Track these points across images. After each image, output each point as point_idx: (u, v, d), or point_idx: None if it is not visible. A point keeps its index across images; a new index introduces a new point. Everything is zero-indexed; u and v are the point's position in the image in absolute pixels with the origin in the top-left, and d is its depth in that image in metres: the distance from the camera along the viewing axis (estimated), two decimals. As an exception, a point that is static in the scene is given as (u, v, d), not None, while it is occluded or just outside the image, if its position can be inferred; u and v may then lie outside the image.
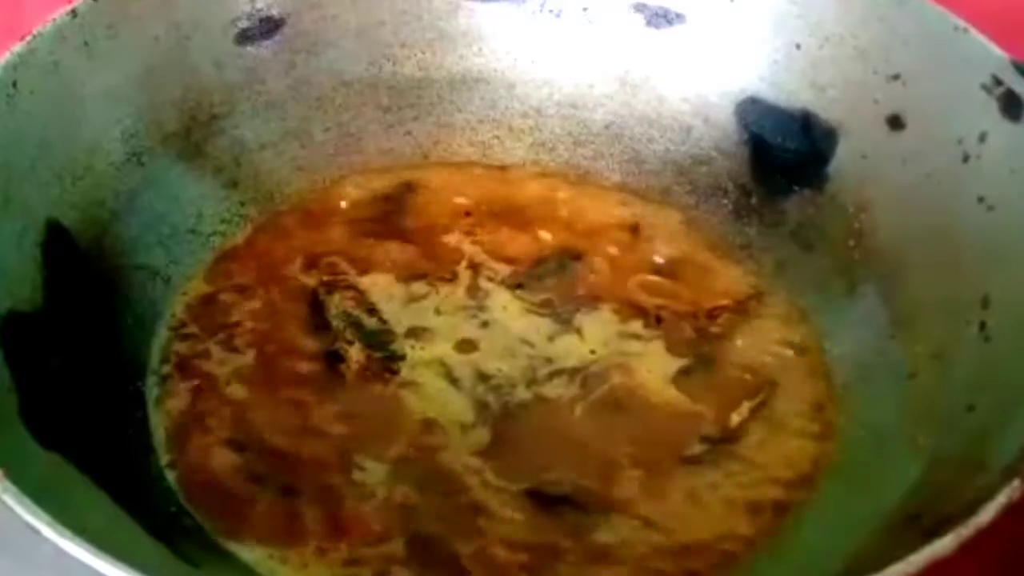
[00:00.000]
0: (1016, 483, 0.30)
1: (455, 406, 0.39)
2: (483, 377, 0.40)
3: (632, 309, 0.43)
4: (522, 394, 0.40)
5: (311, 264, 0.44)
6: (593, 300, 0.43)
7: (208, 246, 0.44)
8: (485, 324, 0.42)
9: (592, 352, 0.41)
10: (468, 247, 0.45)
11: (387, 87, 0.48)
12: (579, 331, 0.42)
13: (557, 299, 0.43)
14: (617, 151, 0.48)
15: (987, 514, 0.29)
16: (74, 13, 0.41)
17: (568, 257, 0.45)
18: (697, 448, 0.39)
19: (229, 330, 0.42)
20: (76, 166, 0.40)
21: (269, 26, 0.46)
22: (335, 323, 0.42)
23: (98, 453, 0.35)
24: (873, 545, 0.33)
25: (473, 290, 0.43)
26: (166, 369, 0.40)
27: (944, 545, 0.28)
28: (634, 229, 0.46)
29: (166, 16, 0.44)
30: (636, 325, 0.42)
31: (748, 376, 0.41)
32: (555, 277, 0.44)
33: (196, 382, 0.40)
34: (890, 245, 0.41)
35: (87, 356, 0.38)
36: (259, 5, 0.46)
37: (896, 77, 0.42)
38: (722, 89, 0.46)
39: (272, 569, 0.35)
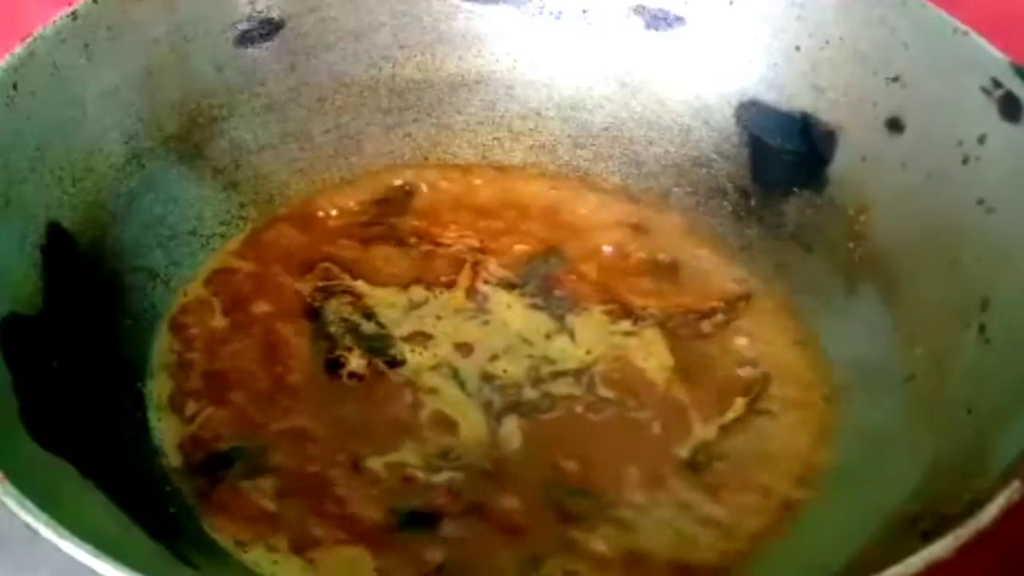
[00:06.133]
0: (1016, 485, 0.30)
1: (461, 407, 0.40)
2: (487, 378, 0.40)
3: (628, 311, 0.43)
4: (528, 394, 0.40)
5: (310, 267, 0.44)
6: (590, 301, 0.43)
7: (208, 248, 0.44)
8: (485, 324, 0.42)
9: (588, 353, 0.41)
10: (468, 249, 0.45)
11: (387, 89, 0.48)
12: (572, 333, 0.42)
13: (556, 301, 0.43)
14: (617, 153, 0.48)
15: (987, 516, 0.29)
16: (74, 15, 0.41)
17: (567, 259, 0.45)
18: (696, 449, 0.39)
19: (229, 332, 0.42)
20: (76, 168, 0.40)
21: (269, 28, 0.46)
22: (333, 328, 0.42)
23: (98, 455, 0.35)
24: (872, 547, 0.33)
25: (472, 292, 0.43)
26: (166, 371, 0.40)
27: (943, 547, 0.28)
28: (634, 231, 0.46)
29: (166, 18, 0.43)
30: (632, 326, 0.42)
31: (746, 377, 0.41)
32: (554, 279, 0.44)
33: (196, 383, 0.40)
34: (890, 247, 0.41)
35: (87, 358, 0.38)
36: (259, 7, 0.46)
37: (896, 79, 0.42)
38: (722, 91, 0.46)
39: (273, 571, 0.35)
